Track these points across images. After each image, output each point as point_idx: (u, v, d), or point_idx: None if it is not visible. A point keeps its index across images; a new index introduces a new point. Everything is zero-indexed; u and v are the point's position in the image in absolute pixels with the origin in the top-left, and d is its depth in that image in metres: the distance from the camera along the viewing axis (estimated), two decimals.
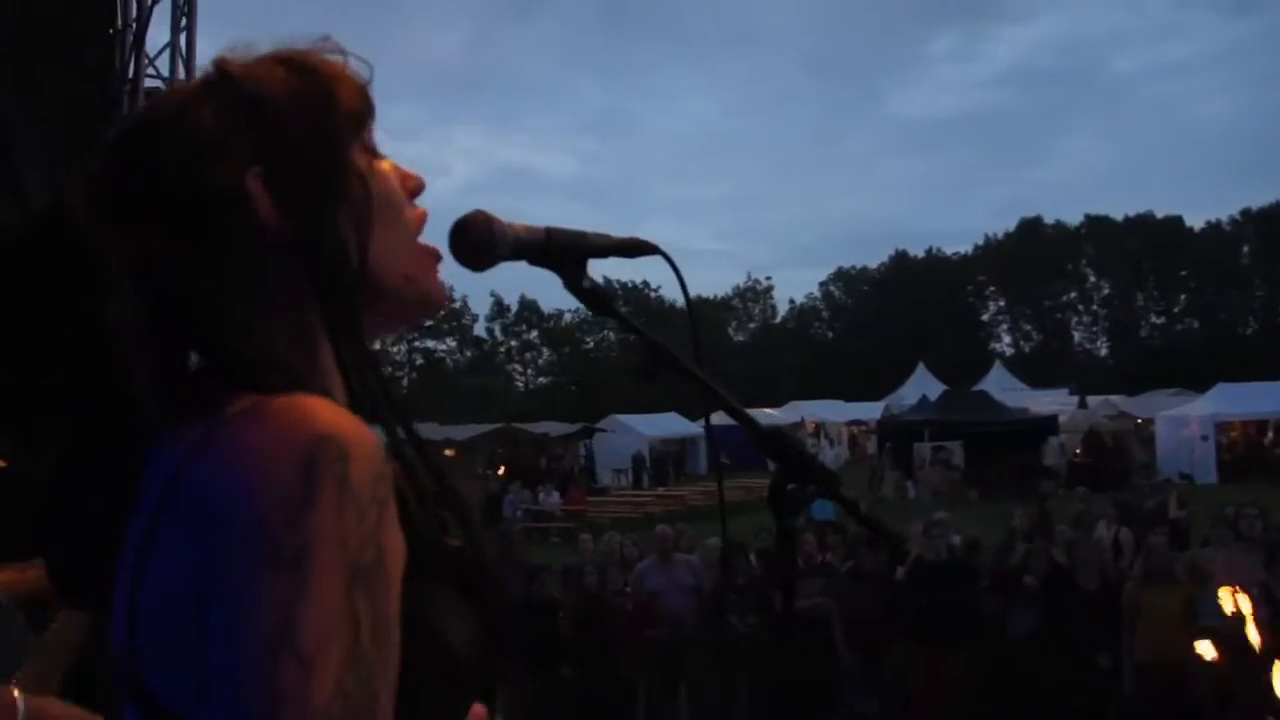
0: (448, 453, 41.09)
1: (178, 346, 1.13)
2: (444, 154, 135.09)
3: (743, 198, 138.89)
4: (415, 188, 1.28)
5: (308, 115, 1.15)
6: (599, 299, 1.39)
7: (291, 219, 1.12)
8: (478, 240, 1.30)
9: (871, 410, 47.59)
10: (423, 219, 1.28)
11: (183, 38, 7.54)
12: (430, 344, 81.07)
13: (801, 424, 46.81)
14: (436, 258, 1.28)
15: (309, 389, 1.06)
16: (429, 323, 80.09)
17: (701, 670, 10.06)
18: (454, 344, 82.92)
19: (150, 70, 7.43)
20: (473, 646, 1.16)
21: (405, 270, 1.23)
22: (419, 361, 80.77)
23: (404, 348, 79.50)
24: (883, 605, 9.72)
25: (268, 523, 0.94)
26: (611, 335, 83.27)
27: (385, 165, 1.25)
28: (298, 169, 1.13)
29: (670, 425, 44.05)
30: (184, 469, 1.01)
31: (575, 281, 1.37)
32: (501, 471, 36.30)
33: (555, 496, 31.10)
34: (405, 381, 79.55)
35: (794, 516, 1.53)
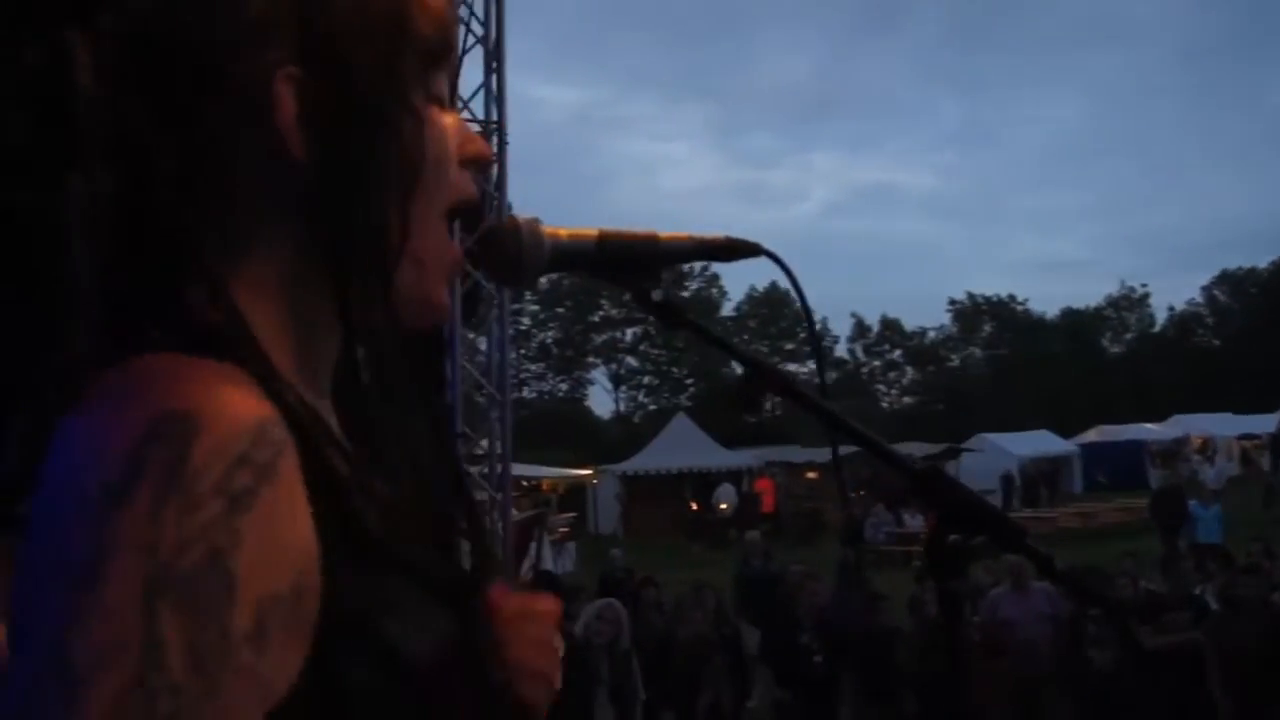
0: (810, 475, 41.02)
1: (130, 265, 0.93)
2: (803, 179, 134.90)
3: (1113, 202, 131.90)
4: (475, 154, 1.06)
5: (372, 29, 0.95)
6: (672, 313, 1.16)
7: (320, 145, 0.93)
8: (503, 252, 1.10)
9: (1265, 423, 44.01)
10: (471, 197, 1.05)
11: (494, 79, 7.74)
12: (792, 366, 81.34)
13: (1186, 439, 44.02)
14: (456, 258, 1.06)
15: (238, 357, 0.88)
16: (789, 346, 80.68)
17: (1060, 708, 9.44)
18: (815, 366, 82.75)
19: (465, 113, 7.69)
20: (435, 654, 0.94)
21: (417, 252, 0.99)
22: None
23: None
24: (1262, 641, 8.79)
25: (65, 526, 0.79)
26: (978, 352, 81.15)
27: (448, 121, 1.03)
28: (344, 86, 0.93)
29: (1042, 443, 42.35)
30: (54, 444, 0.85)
31: (642, 293, 1.14)
32: (863, 493, 35.77)
33: (919, 519, 30.34)
34: (769, 405, 79.94)
35: (957, 576, 1.24)
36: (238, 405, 0.83)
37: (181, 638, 0.76)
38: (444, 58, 1.02)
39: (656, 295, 1.14)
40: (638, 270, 1.15)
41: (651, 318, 1.15)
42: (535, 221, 1.11)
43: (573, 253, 1.13)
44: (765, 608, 11.59)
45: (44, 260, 0.89)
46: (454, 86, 1.08)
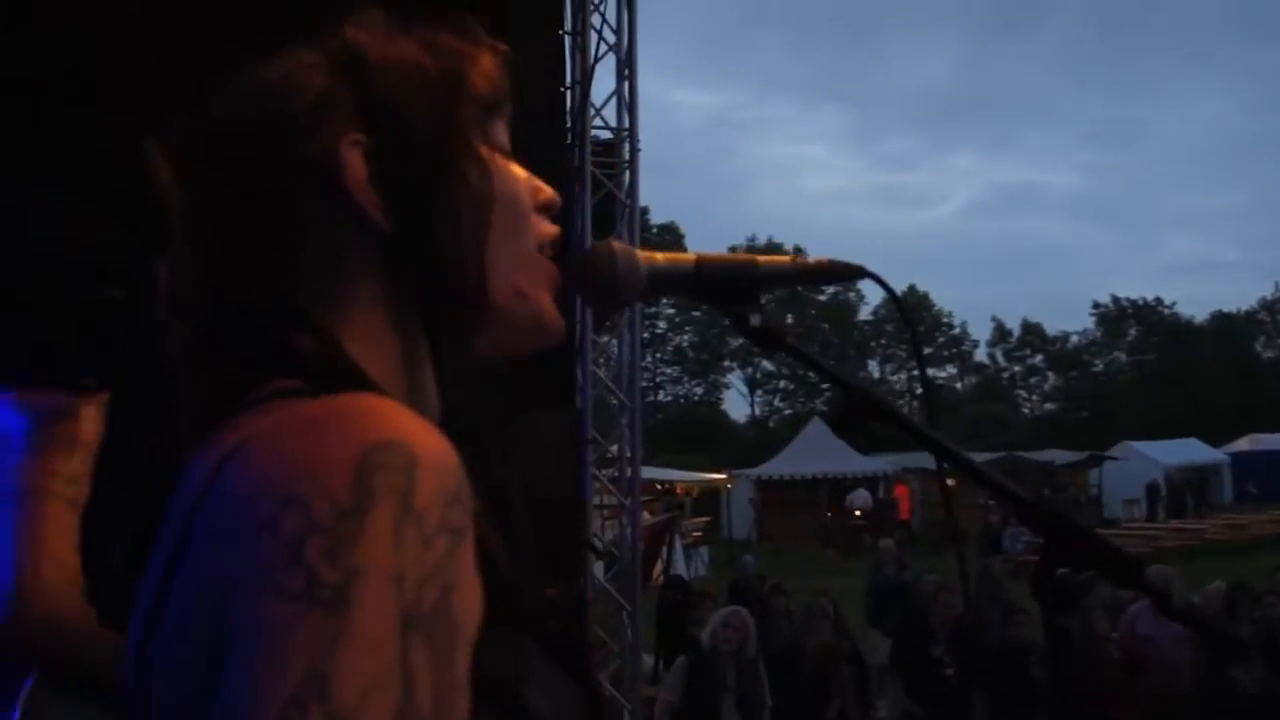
0: (948, 482, 40.33)
1: (230, 332, 0.97)
2: (943, 181, 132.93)
3: (1266, 201, 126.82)
4: (547, 201, 1.11)
5: (428, 89, 1.02)
6: (771, 338, 1.14)
7: (393, 200, 0.98)
8: (598, 278, 1.11)
9: None
10: (552, 238, 1.11)
11: (626, 85, 7.78)
12: (930, 371, 79.90)
13: None
14: (554, 280, 1.10)
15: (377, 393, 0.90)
16: (927, 350, 79.45)
17: None
18: (954, 371, 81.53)
19: (597, 120, 7.73)
20: None
21: (518, 284, 1.06)
22: (920, 390, 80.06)
23: (904, 376, 79.14)
24: None
25: (303, 548, 0.76)
26: (1123, 357, 79.07)
27: (517, 170, 1.09)
28: (407, 143, 1.00)
29: (1190, 452, 41.13)
30: (213, 482, 0.83)
31: (740, 318, 1.14)
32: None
33: None
34: (906, 410, 78.78)
35: (1066, 610, 1.21)
36: (438, 439, 0.83)
37: (429, 675, 0.76)
38: (500, 108, 1.08)
39: (754, 320, 1.14)
40: (737, 295, 1.14)
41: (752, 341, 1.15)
42: (629, 247, 1.11)
43: (670, 278, 1.13)
44: (897, 617, 11.44)
45: (139, 353, 0.95)
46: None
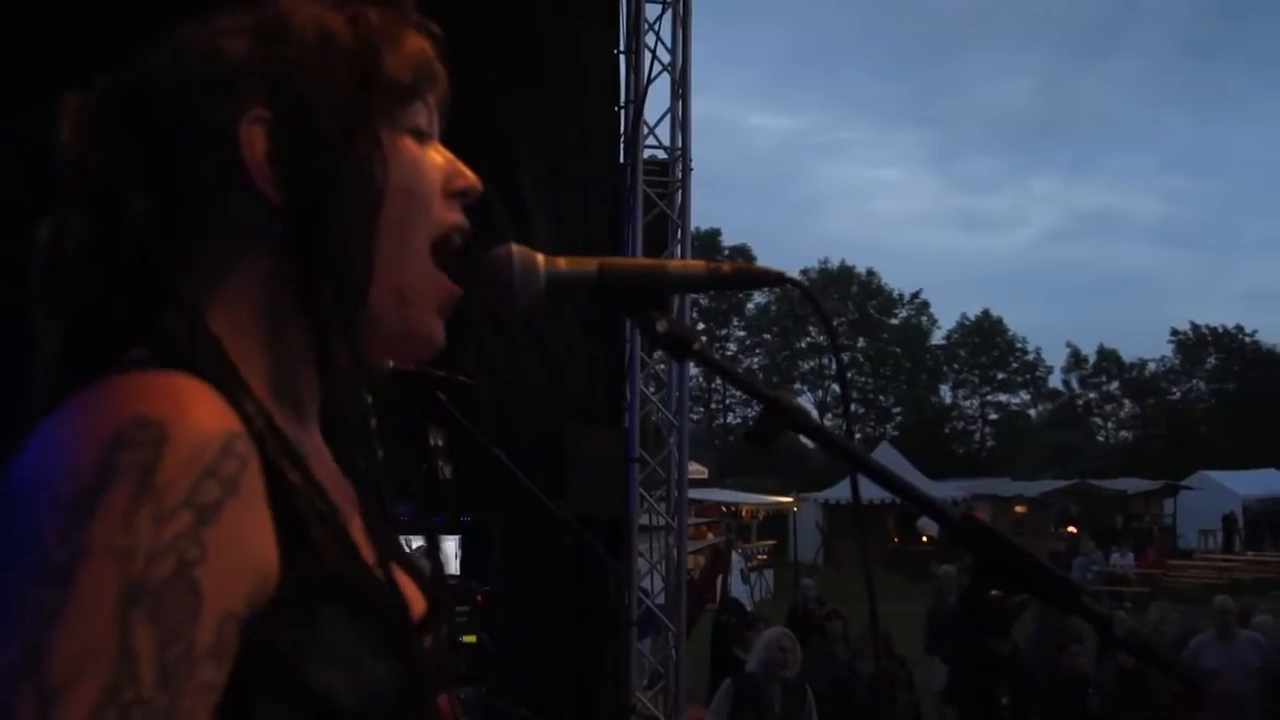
0: (1019, 509, 39.89)
1: (107, 298, 0.97)
2: (1022, 204, 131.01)
3: None
4: (464, 187, 1.10)
5: (337, 67, 1.01)
6: (679, 344, 1.11)
7: (288, 180, 0.99)
8: (494, 281, 1.08)
9: None
10: (458, 226, 1.09)
11: (679, 105, 7.75)
12: (1004, 397, 79.24)
13: None
14: (448, 291, 1.08)
15: (209, 377, 0.90)
16: (1000, 375, 78.63)
17: None
18: (1028, 397, 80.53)
19: (650, 139, 7.69)
20: (372, 706, 0.92)
21: (399, 285, 1.04)
22: (993, 416, 79.17)
23: (977, 401, 78.35)
24: None
25: (41, 527, 0.80)
26: (1202, 385, 77.67)
27: (432, 155, 1.08)
28: (308, 123, 1.00)
29: (1269, 482, 40.27)
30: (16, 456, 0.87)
31: (647, 324, 1.10)
32: (1073, 530, 34.58)
33: (1130, 558, 29.13)
34: (978, 436, 78.18)
35: (998, 634, 1.16)
36: (204, 416, 0.85)
37: (152, 650, 0.79)
38: (417, 93, 1.06)
39: (660, 326, 1.11)
40: (643, 300, 1.11)
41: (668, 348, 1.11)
42: (529, 250, 1.09)
43: (571, 282, 1.11)
44: (955, 645, 11.30)
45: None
46: (443, 118, 1.11)
